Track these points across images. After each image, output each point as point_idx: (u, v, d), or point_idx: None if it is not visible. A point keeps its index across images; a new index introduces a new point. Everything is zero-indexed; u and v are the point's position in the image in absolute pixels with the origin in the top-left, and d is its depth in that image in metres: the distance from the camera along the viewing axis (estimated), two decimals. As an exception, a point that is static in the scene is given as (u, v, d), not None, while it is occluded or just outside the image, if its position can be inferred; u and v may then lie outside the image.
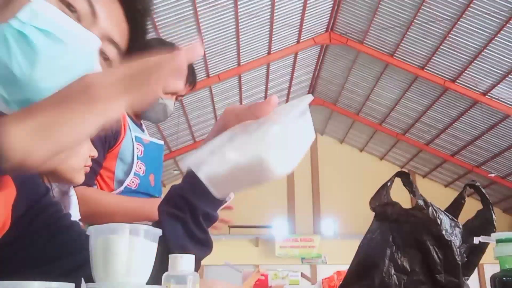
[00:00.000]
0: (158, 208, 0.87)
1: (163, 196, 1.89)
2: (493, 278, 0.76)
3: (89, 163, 1.03)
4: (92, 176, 1.55)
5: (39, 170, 0.52)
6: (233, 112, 0.79)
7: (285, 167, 0.65)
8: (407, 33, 10.41)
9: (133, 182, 1.71)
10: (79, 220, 0.90)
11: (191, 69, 1.98)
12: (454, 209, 1.00)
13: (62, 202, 1.02)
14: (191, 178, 0.85)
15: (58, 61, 0.64)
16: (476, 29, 9.49)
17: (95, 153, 1.04)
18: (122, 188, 1.68)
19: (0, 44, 0.63)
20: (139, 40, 0.82)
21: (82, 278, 0.63)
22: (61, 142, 0.51)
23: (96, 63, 0.71)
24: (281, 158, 0.64)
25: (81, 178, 1.00)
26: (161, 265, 0.62)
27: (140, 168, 1.74)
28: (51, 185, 1.03)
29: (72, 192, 1.06)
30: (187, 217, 0.84)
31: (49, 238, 0.78)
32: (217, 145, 0.66)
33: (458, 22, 9.46)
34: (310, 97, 0.72)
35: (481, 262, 0.93)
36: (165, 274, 0.62)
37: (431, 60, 10.81)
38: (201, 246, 0.84)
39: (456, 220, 0.92)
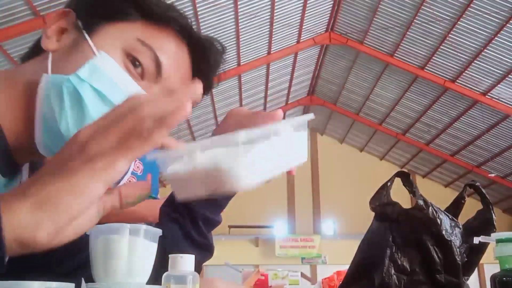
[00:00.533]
0: (160, 208, 0.87)
1: (160, 196, 1.88)
2: (493, 278, 0.76)
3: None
4: None
5: (53, 245, 0.50)
6: (236, 116, 0.78)
7: (251, 179, 0.56)
8: (407, 33, 10.41)
9: (129, 181, 1.71)
10: None
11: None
12: (454, 209, 1.00)
13: None
14: None
15: None
16: (476, 29, 9.49)
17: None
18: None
19: (56, 96, 0.62)
20: (203, 93, 0.75)
21: (82, 278, 0.63)
22: (67, 212, 0.47)
23: None
24: (248, 169, 0.55)
25: None
26: (160, 267, 0.62)
27: (137, 167, 1.74)
28: None
29: None
30: (186, 221, 0.84)
31: None
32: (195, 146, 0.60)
33: (458, 22, 9.46)
34: (310, 116, 0.67)
35: (481, 262, 0.93)
36: (165, 274, 0.62)
37: (431, 60, 10.81)
38: (200, 250, 0.83)
39: (456, 220, 0.92)
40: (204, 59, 0.76)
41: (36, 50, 0.71)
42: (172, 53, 0.70)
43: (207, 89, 0.79)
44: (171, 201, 0.87)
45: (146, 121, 0.46)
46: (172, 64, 0.69)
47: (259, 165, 0.57)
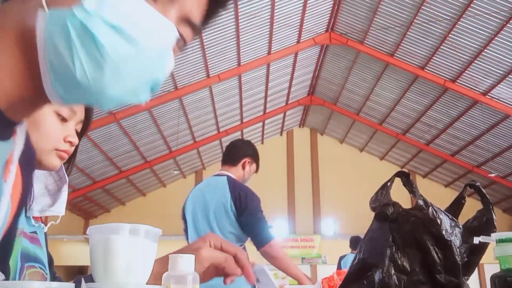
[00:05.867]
0: None
1: None
2: (493, 278, 0.76)
3: (63, 147, 0.94)
4: None
5: None
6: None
7: None
8: (407, 33, 10.40)
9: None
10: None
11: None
12: (454, 209, 1.00)
13: (54, 197, 1.00)
14: None
15: (129, 64, 0.53)
16: (476, 29, 9.49)
17: (73, 140, 0.95)
18: None
19: (60, 37, 0.51)
20: (216, 12, 0.69)
21: (82, 278, 0.63)
22: None
23: (171, 58, 0.60)
24: None
25: (52, 162, 0.91)
26: None
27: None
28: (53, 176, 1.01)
29: (65, 188, 1.03)
30: None
31: None
32: None
33: (458, 22, 9.46)
34: None
35: (481, 262, 0.93)
36: (165, 274, 0.62)
37: (431, 60, 10.81)
38: None
39: (456, 220, 0.92)
40: None
41: None
42: None
43: (219, 9, 0.70)
44: None
45: None
46: None
47: None
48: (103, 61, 0.51)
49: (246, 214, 2.67)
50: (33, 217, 0.95)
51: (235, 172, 2.84)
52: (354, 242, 6.99)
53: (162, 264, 0.70)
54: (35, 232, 0.94)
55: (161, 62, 0.56)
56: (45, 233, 1.00)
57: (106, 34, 0.51)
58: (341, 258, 7.16)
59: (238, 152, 2.90)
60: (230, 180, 2.75)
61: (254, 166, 2.93)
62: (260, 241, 2.63)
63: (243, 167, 2.87)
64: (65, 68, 0.52)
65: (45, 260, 0.94)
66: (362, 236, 0.97)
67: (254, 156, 2.93)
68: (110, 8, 0.51)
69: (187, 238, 2.82)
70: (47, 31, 0.52)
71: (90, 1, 0.50)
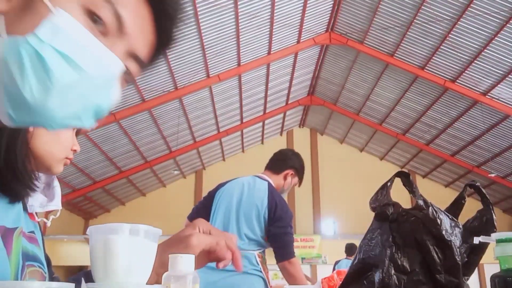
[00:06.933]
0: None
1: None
2: (493, 278, 0.76)
3: (71, 156, 0.99)
4: None
5: None
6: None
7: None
8: (407, 33, 10.41)
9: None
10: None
11: None
12: (454, 209, 1.00)
13: (47, 194, 1.01)
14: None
15: (74, 90, 0.59)
16: (476, 29, 9.49)
17: (77, 148, 1.00)
18: None
19: (14, 61, 0.57)
20: (164, 49, 0.74)
21: (82, 278, 0.63)
22: None
23: (116, 89, 0.65)
24: None
25: (59, 169, 0.96)
26: None
27: None
28: (37, 175, 1.02)
29: (56, 183, 1.05)
30: None
31: None
32: None
33: (458, 22, 9.46)
34: None
35: (481, 262, 0.93)
36: (165, 274, 0.62)
37: (431, 60, 10.81)
38: None
39: (456, 220, 0.92)
40: (164, 11, 0.70)
41: None
42: (132, 6, 0.65)
43: (167, 45, 0.74)
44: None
45: None
46: (133, 18, 0.64)
47: None
48: (51, 85, 0.57)
49: (277, 225, 2.74)
50: (30, 216, 0.96)
51: (276, 180, 2.87)
52: (349, 249, 7.20)
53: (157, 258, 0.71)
54: (32, 232, 0.95)
55: (104, 91, 0.62)
56: (42, 234, 1.01)
57: (55, 60, 0.57)
58: (336, 262, 7.35)
59: (285, 162, 2.92)
60: (270, 188, 2.79)
61: (296, 179, 2.94)
62: (282, 255, 2.75)
63: (285, 178, 2.89)
64: (16, 89, 0.57)
65: (43, 259, 0.95)
66: (360, 238, 0.97)
67: (299, 170, 2.94)
68: (61, 39, 0.58)
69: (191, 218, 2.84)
70: (3, 55, 0.58)
71: (42, 31, 0.57)
